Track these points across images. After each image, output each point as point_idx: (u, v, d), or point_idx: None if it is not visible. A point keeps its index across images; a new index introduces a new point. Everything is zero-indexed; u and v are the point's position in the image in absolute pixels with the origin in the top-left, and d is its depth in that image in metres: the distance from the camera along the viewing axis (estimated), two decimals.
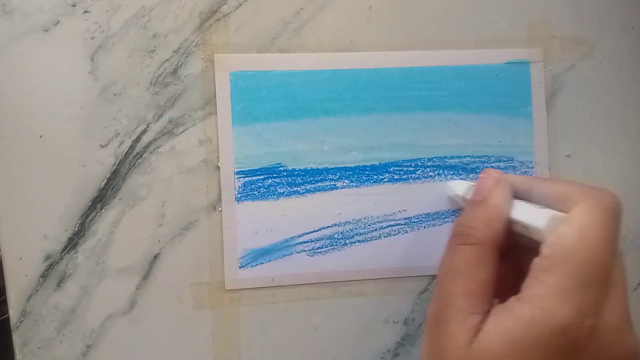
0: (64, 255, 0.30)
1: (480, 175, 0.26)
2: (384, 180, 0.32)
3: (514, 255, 0.25)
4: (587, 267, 0.21)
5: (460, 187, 0.31)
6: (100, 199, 0.30)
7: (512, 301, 0.21)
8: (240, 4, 0.31)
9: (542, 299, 0.21)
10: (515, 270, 0.24)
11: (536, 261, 0.22)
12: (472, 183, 0.30)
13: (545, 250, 0.22)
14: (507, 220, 0.24)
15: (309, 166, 0.31)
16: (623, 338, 0.21)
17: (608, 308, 0.21)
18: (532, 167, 0.33)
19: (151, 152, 0.30)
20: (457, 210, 0.33)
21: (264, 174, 0.31)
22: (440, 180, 0.32)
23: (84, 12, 0.30)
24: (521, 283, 0.22)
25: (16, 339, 0.29)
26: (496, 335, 0.21)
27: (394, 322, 0.32)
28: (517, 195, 0.25)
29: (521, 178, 0.26)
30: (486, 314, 0.22)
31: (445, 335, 0.22)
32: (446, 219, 0.32)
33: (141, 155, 0.30)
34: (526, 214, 0.24)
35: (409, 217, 0.32)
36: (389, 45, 0.32)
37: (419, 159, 0.32)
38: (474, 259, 0.23)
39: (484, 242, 0.24)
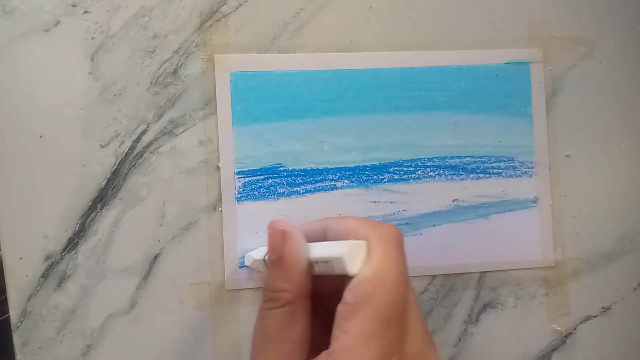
0: (65, 255, 0.30)
1: (268, 231, 0.25)
2: (384, 180, 0.32)
3: (325, 300, 0.25)
4: (386, 306, 0.21)
5: (258, 253, 0.30)
6: (101, 199, 0.30)
7: (323, 357, 0.22)
8: (241, 4, 0.31)
9: (348, 350, 0.21)
10: (330, 315, 0.24)
11: (339, 309, 0.22)
12: (264, 248, 0.29)
13: (346, 295, 0.22)
14: (308, 270, 0.24)
15: (309, 166, 0.31)
16: None
17: (409, 338, 0.22)
18: (532, 167, 0.33)
19: (151, 152, 0.30)
20: (456, 210, 0.33)
21: (264, 174, 0.31)
22: (441, 181, 0.32)
23: (84, 12, 0.30)
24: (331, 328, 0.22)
25: (16, 339, 0.29)
26: None
27: None
28: (314, 239, 0.25)
29: (312, 223, 0.26)
30: None
31: None
32: (446, 219, 0.32)
33: (141, 156, 0.30)
34: (325, 251, 0.24)
35: (409, 217, 0.32)
36: (389, 46, 0.32)
37: (419, 159, 0.32)
38: (285, 320, 0.24)
39: (292, 301, 0.24)
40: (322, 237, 0.26)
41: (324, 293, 0.25)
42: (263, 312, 0.24)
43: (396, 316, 0.22)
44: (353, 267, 0.22)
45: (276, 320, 0.24)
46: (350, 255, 0.22)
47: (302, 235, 0.25)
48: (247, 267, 0.30)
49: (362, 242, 0.23)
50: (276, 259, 0.24)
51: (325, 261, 0.23)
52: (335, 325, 0.22)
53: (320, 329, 0.24)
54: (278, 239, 0.24)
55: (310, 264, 0.24)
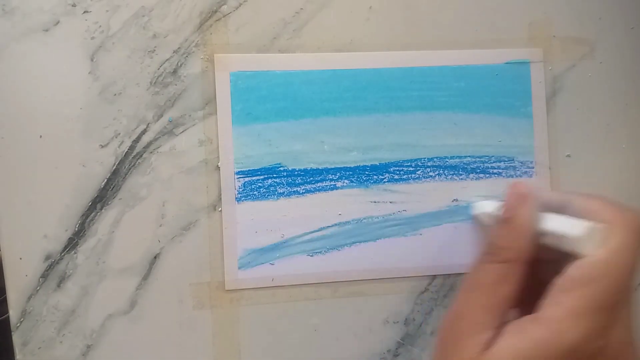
0: (64, 255, 0.30)
1: (508, 190, 0.26)
2: (384, 180, 0.32)
3: (536, 267, 0.25)
4: (608, 292, 0.21)
5: (487, 206, 0.30)
6: (101, 199, 0.30)
7: (527, 321, 0.22)
8: (240, 4, 0.31)
9: (557, 321, 0.21)
10: (537, 281, 0.24)
11: (559, 281, 0.22)
12: (498, 203, 0.29)
13: (572, 271, 0.22)
14: (535, 237, 0.24)
15: (309, 166, 0.31)
16: (627, 356, 0.22)
17: (617, 328, 0.22)
18: (532, 167, 0.33)
19: (151, 152, 0.30)
20: (456, 210, 0.33)
21: (264, 174, 0.31)
22: (441, 181, 0.32)
23: (84, 12, 0.30)
24: (541, 293, 0.22)
25: (16, 339, 0.29)
26: (506, 353, 0.21)
27: (394, 322, 0.32)
28: (549, 209, 0.25)
29: (553, 194, 0.26)
30: (500, 329, 0.22)
31: (455, 345, 0.23)
32: (446, 219, 0.32)
33: (141, 155, 0.30)
34: (562, 226, 0.24)
35: (409, 217, 0.32)
36: (389, 45, 0.32)
37: (419, 159, 0.32)
38: (500, 276, 0.24)
39: (511, 260, 0.24)
40: (559, 210, 0.25)
41: (539, 260, 0.25)
42: (480, 264, 0.25)
43: (614, 303, 0.22)
44: (587, 248, 0.22)
45: (490, 273, 0.24)
46: (588, 236, 0.22)
47: (538, 204, 0.25)
48: (474, 215, 0.31)
49: (603, 225, 0.22)
50: (508, 218, 0.25)
51: (558, 235, 0.23)
52: (548, 295, 0.22)
53: (527, 295, 0.24)
54: (516, 200, 0.25)
55: (540, 233, 0.24)
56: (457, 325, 0.23)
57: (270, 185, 0.31)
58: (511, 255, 0.24)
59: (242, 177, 0.31)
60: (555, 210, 0.25)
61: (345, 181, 0.32)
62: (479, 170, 0.33)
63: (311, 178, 0.31)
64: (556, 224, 0.24)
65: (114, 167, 0.30)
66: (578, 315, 0.21)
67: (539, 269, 0.25)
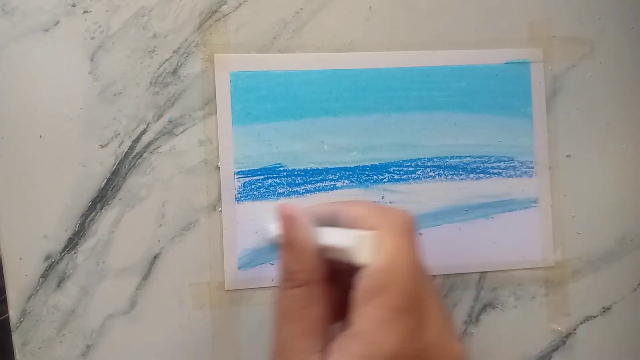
0: (64, 255, 0.30)
1: (278, 214, 0.25)
2: (384, 180, 0.32)
3: (343, 277, 0.25)
4: (400, 296, 0.21)
5: (274, 230, 0.28)
6: (100, 199, 0.30)
7: (347, 337, 0.22)
8: (240, 4, 0.31)
9: (369, 334, 0.21)
10: (346, 289, 0.24)
11: (354, 295, 0.22)
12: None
13: (359, 283, 0.22)
14: (320, 253, 0.24)
15: (309, 166, 0.31)
16: (448, 351, 0.22)
17: (430, 328, 0.22)
18: (532, 167, 0.33)
19: (151, 152, 0.30)
20: (456, 210, 0.33)
21: (264, 174, 0.31)
22: (441, 181, 0.32)
23: (84, 12, 0.30)
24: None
25: (16, 339, 0.29)
26: None
27: None
28: (325, 222, 0.25)
29: (323, 206, 0.26)
30: (326, 350, 0.22)
31: None
32: (446, 220, 0.32)
33: (141, 156, 0.30)
34: (334, 239, 0.24)
35: None
36: (389, 45, 0.32)
37: (419, 159, 0.32)
38: (303, 300, 0.24)
39: (307, 282, 0.24)
40: (332, 222, 0.25)
41: (343, 270, 0.25)
42: (281, 291, 0.24)
43: (410, 305, 0.22)
44: (362, 257, 0.22)
45: (293, 300, 0.24)
46: (359, 246, 0.22)
47: (310, 220, 0.25)
48: (269, 240, 0.29)
49: (371, 232, 0.22)
50: (286, 243, 0.24)
51: (336, 248, 0.23)
52: (353, 309, 0.22)
53: (346, 305, 0.24)
54: (287, 223, 0.25)
55: (323, 249, 0.24)
56: (284, 357, 0.23)
57: (270, 185, 0.31)
58: (304, 277, 0.24)
59: (242, 177, 0.31)
60: (330, 223, 0.25)
61: (345, 181, 0.32)
62: (479, 171, 0.33)
63: (311, 178, 0.31)
64: (331, 237, 0.24)
65: (114, 167, 0.30)
66: (384, 324, 0.21)
67: (345, 279, 0.24)
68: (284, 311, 0.24)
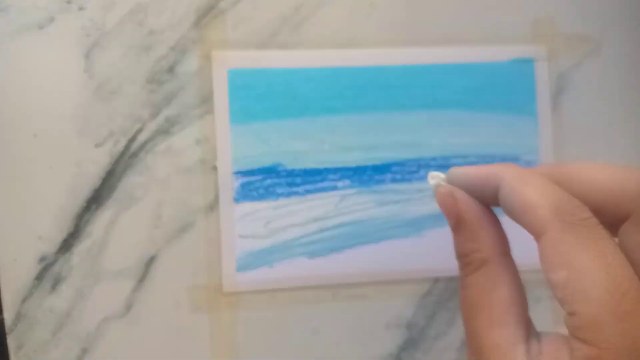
0: (59, 256, 0.29)
1: (436, 198, 0.23)
2: (386, 180, 0.32)
3: None
4: None
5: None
6: (96, 200, 0.30)
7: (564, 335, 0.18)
8: (239, 0, 0.30)
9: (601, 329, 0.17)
10: None
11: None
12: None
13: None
14: (496, 221, 0.22)
15: (309, 166, 0.31)
16: None
17: None
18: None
19: (147, 152, 0.30)
20: None
21: (263, 174, 0.31)
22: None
23: (79, 9, 0.29)
24: None
25: (11, 342, 0.29)
26: None
27: (396, 326, 0.32)
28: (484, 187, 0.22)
29: (481, 170, 0.22)
30: (531, 339, 0.19)
31: None
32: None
33: (137, 155, 0.30)
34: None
35: (412, 219, 0.32)
36: (391, 42, 0.32)
37: (421, 158, 0.32)
38: (486, 283, 0.21)
39: (488, 260, 0.21)
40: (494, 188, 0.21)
41: None
42: (462, 282, 0.21)
43: None
44: None
45: (476, 285, 0.21)
46: None
47: (467, 190, 0.22)
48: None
49: None
50: (456, 223, 0.22)
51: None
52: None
53: None
54: (449, 202, 0.22)
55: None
56: (481, 356, 0.20)
57: (269, 185, 0.31)
58: (482, 256, 0.21)
59: (240, 177, 0.30)
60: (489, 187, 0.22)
61: (346, 181, 0.31)
62: None
63: (311, 178, 0.31)
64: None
65: (109, 167, 0.30)
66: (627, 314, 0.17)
67: None
68: (469, 303, 0.21)
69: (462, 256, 0.22)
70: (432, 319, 0.32)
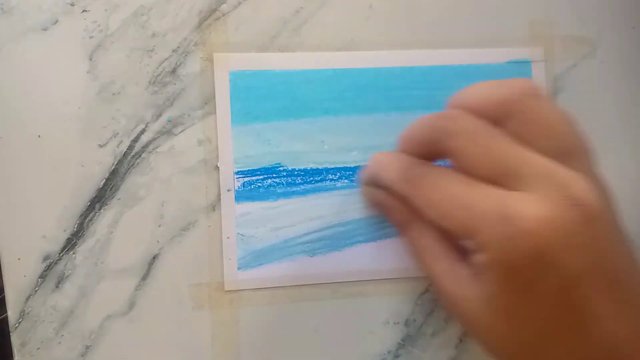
0: (63, 255, 0.29)
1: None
2: None
3: None
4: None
5: None
6: (99, 199, 0.30)
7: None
8: (240, 3, 0.31)
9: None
10: None
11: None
12: None
13: None
14: None
15: (309, 166, 0.31)
16: None
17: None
18: None
19: (150, 152, 0.30)
20: None
21: (264, 174, 0.31)
22: None
23: (83, 11, 0.29)
24: None
25: (14, 340, 0.29)
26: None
27: (394, 323, 0.32)
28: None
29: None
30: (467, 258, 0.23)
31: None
32: None
33: (140, 155, 0.30)
34: None
35: None
36: (390, 45, 0.32)
37: None
38: (415, 234, 0.26)
39: (408, 220, 0.26)
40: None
41: None
42: (403, 244, 0.27)
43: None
44: None
45: (411, 239, 0.26)
46: None
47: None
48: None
49: None
50: (379, 209, 0.29)
51: None
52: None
53: None
54: (368, 197, 0.30)
55: None
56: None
57: (270, 185, 0.31)
58: (404, 219, 0.27)
59: (242, 177, 0.31)
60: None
61: (346, 181, 0.31)
62: None
63: (311, 178, 0.31)
64: None
65: (113, 167, 0.30)
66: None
67: None
68: (413, 255, 0.26)
69: (395, 224, 0.28)
70: (430, 316, 0.32)
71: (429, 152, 0.25)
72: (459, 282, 0.23)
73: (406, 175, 0.25)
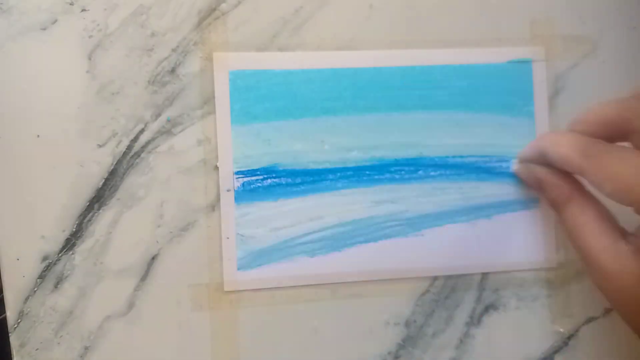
0: (62, 256, 0.29)
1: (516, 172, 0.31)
2: (385, 180, 0.32)
3: None
4: None
5: None
6: (98, 199, 0.30)
7: None
8: (240, 2, 0.31)
9: None
10: None
11: None
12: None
13: None
14: None
15: (309, 166, 0.31)
16: None
17: None
18: None
19: (149, 152, 0.30)
20: (458, 211, 0.32)
21: (263, 174, 0.31)
22: (442, 181, 0.32)
23: (82, 10, 0.29)
24: None
25: (13, 340, 0.29)
26: None
27: (394, 324, 0.32)
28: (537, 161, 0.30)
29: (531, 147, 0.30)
30: (626, 237, 0.24)
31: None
32: (448, 220, 0.32)
33: (139, 155, 0.30)
34: None
35: (411, 218, 0.32)
36: (390, 44, 0.32)
37: (420, 158, 0.32)
38: (576, 209, 0.26)
39: (571, 195, 0.27)
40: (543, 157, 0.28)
41: None
42: (562, 219, 0.27)
43: None
44: None
45: (571, 214, 0.27)
46: None
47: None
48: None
49: None
50: (537, 185, 0.29)
51: None
52: None
53: None
54: (526, 174, 0.30)
55: None
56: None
57: (270, 185, 0.31)
58: (566, 193, 0.27)
59: (241, 177, 0.31)
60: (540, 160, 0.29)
61: (346, 181, 0.31)
62: (480, 170, 0.33)
63: (311, 178, 0.31)
64: None
65: (112, 167, 0.30)
66: None
67: None
68: (570, 230, 0.26)
69: (553, 201, 0.28)
70: (430, 317, 0.32)
71: (613, 131, 0.27)
72: (619, 258, 0.24)
73: (586, 151, 0.25)
